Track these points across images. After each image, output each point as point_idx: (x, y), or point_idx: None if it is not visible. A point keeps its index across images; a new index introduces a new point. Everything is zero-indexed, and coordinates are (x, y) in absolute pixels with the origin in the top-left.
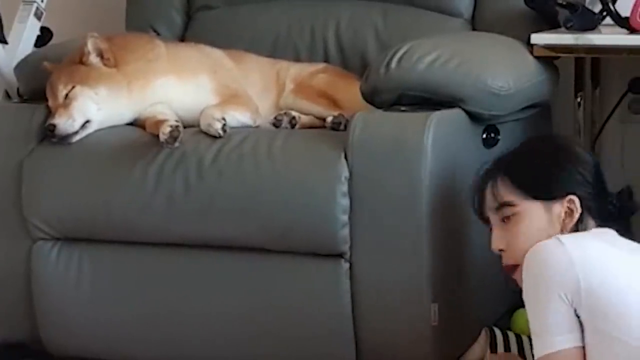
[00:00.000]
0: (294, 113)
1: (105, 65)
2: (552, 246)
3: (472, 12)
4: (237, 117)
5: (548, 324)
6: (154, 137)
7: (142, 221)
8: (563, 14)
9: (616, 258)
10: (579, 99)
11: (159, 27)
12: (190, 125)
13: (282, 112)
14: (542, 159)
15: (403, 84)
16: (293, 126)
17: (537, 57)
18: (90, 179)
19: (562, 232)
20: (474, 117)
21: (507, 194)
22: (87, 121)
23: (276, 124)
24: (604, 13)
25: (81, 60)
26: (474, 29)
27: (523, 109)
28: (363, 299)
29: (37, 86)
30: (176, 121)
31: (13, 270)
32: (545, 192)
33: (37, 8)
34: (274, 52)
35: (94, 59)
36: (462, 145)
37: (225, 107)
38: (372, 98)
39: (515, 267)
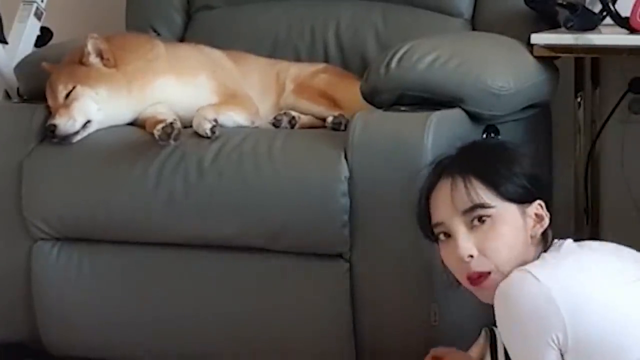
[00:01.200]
0: (293, 113)
1: (105, 65)
2: (526, 285)
3: (472, 12)
4: (234, 117)
5: None
6: (154, 136)
7: (142, 221)
8: (563, 14)
9: (603, 282)
10: (579, 99)
11: (159, 27)
12: (191, 126)
13: (281, 112)
14: (512, 161)
15: (403, 84)
16: (293, 126)
17: (537, 57)
18: (90, 179)
19: (531, 238)
20: (474, 117)
21: (484, 193)
22: (88, 121)
23: (276, 124)
24: (604, 13)
25: (81, 60)
26: (474, 29)
27: (523, 109)
28: (363, 299)
29: (37, 86)
30: (174, 119)
31: (13, 270)
32: (521, 195)
33: (37, 8)
34: (274, 52)
35: (94, 59)
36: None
37: (221, 107)
38: (372, 98)
39: (487, 274)
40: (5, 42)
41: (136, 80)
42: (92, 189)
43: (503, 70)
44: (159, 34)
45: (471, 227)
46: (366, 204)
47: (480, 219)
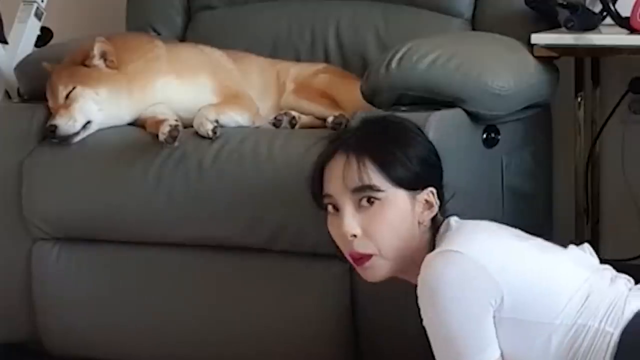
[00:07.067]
0: (294, 113)
1: (108, 67)
2: (450, 261)
3: (472, 12)
4: (235, 117)
5: (483, 338)
6: (154, 137)
7: (142, 221)
8: (563, 14)
9: (513, 247)
10: (579, 99)
11: (159, 27)
12: (191, 126)
13: (282, 112)
14: (409, 146)
15: (403, 84)
16: (293, 126)
17: (537, 57)
18: (90, 179)
19: (419, 224)
20: (474, 117)
21: (375, 176)
22: (88, 122)
23: (276, 124)
24: (604, 13)
25: (83, 61)
26: (474, 29)
27: (523, 109)
28: (363, 299)
29: (37, 86)
30: (176, 120)
31: (13, 270)
32: (412, 181)
33: (38, 8)
34: (274, 52)
35: (97, 61)
36: (462, 145)
37: (223, 107)
38: (372, 98)
39: (369, 256)
40: (6, 42)
41: (137, 81)
42: (92, 189)
43: (503, 71)
44: (159, 34)
45: (359, 206)
46: None
47: (369, 200)
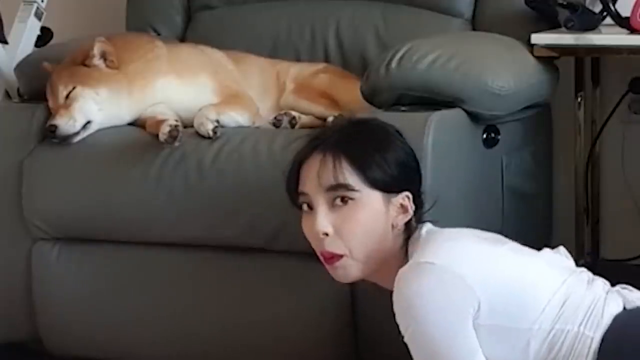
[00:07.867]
0: (294, 113)
1: (108, 67)
2: (426, 274)
3: (472, 12)
4: (235, 117)
5: (468, 345)
6: (154, 137)
7: (142, 221)
8: (563, 14)
9: (487, 253)
10: (579, 99)
11: (159, 27)
12: (191, 126)
13: (282, 112)
14: (388, 149)
15: (403, 84)
16: (293, 126)
17: (537, 57)
18: (90, 179)
19: (393, 228)
20: (474, 117)
21: (350, 176)
22: (88, 122)
23: (276, 124)
24: (604, 13)
25: (83, 61)
26: (474, 29)
27: (523, 109)
28: (363, 299)
29: (37, 86)
30: (176, 120)
31: (13, 270)
32: (388, 184)
33: (38, 8)
34: (274, 52)
35: (97, 61)
36: (462, 145)
37: (223, 107)
38: (372, 98)
39: (340, 256)
40: (6, 42)
41: (137, 81)
42: (92, 189)
43: (503, 71)
44: (159, 34)
45: (333, 205)
46: None
47: (343, 200)
